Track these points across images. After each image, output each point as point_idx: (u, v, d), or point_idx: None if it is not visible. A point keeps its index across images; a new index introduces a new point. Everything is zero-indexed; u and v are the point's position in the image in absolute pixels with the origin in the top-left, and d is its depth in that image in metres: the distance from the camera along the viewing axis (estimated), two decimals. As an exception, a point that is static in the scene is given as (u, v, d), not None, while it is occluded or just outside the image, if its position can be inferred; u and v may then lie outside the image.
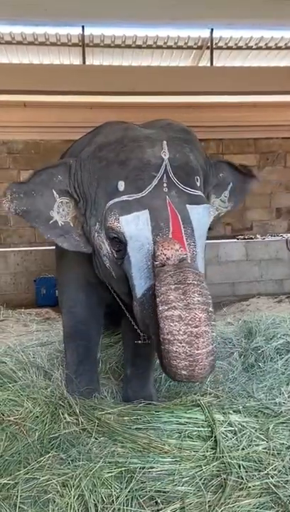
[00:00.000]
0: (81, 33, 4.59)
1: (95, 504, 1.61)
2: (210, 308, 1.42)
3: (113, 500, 1.62)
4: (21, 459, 1.89)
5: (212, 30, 4.70)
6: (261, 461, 1.82)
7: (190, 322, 1.37)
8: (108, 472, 1.77)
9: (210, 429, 2.05)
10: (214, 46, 4.85)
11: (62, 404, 2.26)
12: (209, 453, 1.89)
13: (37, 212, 2.07)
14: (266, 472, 1.75)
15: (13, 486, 1.73)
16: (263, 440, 1.96)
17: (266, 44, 5.01)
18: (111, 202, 1.84)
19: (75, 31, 4.63)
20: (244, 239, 5.85)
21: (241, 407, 2.24)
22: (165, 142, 1.86)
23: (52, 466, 1.83)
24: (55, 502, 1.64)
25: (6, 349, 3.18)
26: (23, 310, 4.83)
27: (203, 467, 1.79)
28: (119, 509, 1.57)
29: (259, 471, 1.77)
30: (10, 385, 2.43)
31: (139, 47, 4.95)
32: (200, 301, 1.39)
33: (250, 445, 1.92)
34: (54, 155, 4.33)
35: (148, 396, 2.46)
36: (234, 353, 3.13)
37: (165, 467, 1.80)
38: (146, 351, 2.53)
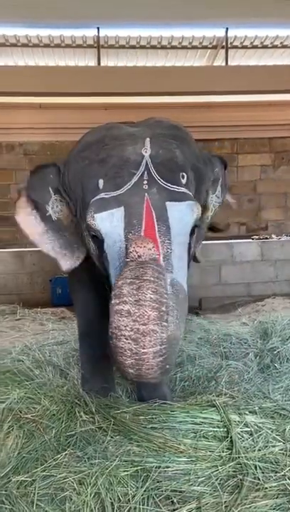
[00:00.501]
0: (96, 34, 4.62)
1: (112, 503, 1.62)
2: (163, 308, 1.31)
3: (129, 499, 1.62)
4: (38, 456, 1.91)
5: (227, 29, 4.68)
6: (278, 463, 1.81)
7: (138, 319, 1.30)
8: (124, 471, 1.78)
9: (225, 429, 2.04)
10: (229, 45, 4.84)
11: (78, 402, 2.28)
12: (225, 453, 1.88)
13: (38, 205, 2.17)
14: (283, 473, 1.74)
15: (31, 483, 1.75)
16: (279, 441, 1.95)
17: (281, 42, 4.98)
18: (92, 200, 1.84)
19: (90, 33, 4.66)
20: (259, 239, 5.81)
21: (257, 408, 2.22)
22: (148, 139, 1.82)
23: (69, 464, 1.84)
24: (71, 500, 1.66)
25: (23, 348, 3.22)
26: (39, 309, 4.88)
27: (219, 467, 1.78)
28: (135, 508, 1.58)
29: (276, 472, 1.76)
30: (27, 383, 2.46)
31: (154, 47, 4.96)
32: (153, 298, 1.31)
33: (266, 446, 1.91)
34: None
35: (162, 396, 2.45)
36: (249, 354, 3.11)
37: (181, 467, 1.80)
38: None
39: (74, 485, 1.72)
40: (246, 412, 2.18)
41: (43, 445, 1.98)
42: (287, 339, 3.14)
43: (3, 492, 1.69)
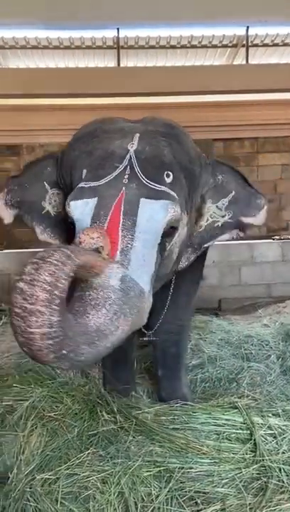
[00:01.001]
0: (116, 35, 4.64)
1: (135, 502, 1.62)
2: (57, 292, 1.22)
3: (153, 499, 1.63)
4: (62, 454, 1.93)
5: (247, 27, 4.65)
6: (303, 466, 1.79)
7: (27, 297, 1.23)
8: (147, 471, 1.78)
9: (248, 431, 2.03)
10: (249, 44, 4.80)
11: (100, 402, 2.29)
12: (248, 456, 1.87)
13: (29, 203, 2.11)
14: (308, 477, 1.72)
15: (55, 481, 1.77)
16: (304, 445, 1.92)
17: (303, 40, 4.91)
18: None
19: (110, 34, 4.68)
20: (280, 239, 5.74)
21: (280, 411, 2.20)
22: (137, 135, 1.81)
23: (92, 463, 1.86)
24: (95, 498, 1.67)
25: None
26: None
27: (243, 470, 1.77)
28: (159, 508, 1.58)
29: (301, 475, 1.74)
30: (49, 382, 2.49)
31: (173, 47, 4.95)
32: (47, 280, 1.23)
33: (291, 449, 1.89)
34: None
35: (182, 397, 2.45)
36: (271, 356, 3.08)
37: (204, 468, 1.79)
38: (174, 352, 2.52)
39: (98, 484, 1.73)
40: (270, 415, 2.16)
41: (66, 444, 2.00)
42: (310, 341, 3.10)
43: (28, 489, 1.71)
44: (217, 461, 1.84)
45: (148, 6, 4.17)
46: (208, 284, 5.21)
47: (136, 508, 1.59)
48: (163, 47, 4.93)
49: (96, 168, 1.76)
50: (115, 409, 2.20)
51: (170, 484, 1.69)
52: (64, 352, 1.26)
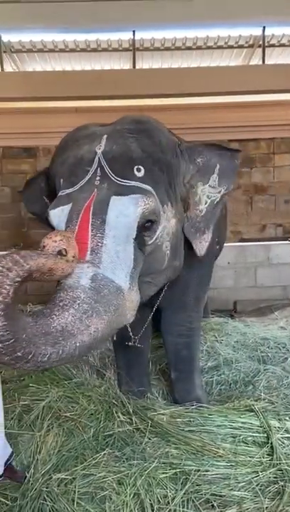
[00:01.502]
0: (132, 37, 4.65)
1: (151, 504, 1.62)
2: (0, 298, 1.23)
3: (169, 501, 1.62)
4: (78, 454, 1.94)
5: (264, 28, 4.61)
6: None
7: None
8: (163, 473, 1.78)
9: (265, 435, 2.01)
10: (266, 44, 4.75)
11: (116, 403, 2.30)
12: (265, 459, 1.85)
13: (38, 216, 2.21)
14: None
15: (71, 481, 1.78)
16: None
17: None
18: None
19: (126, 36, 4.69)
20: (296, 240, 5.68)
21: (297, 414, 2.17)
22: (104, 136, 1.84)
23: (108, 464, 1.86)
24: (111, 499, 1.67)
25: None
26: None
27: (260, 473, 1.76)
28: (175, 510, 1.58)
29: None
30: (65, 382, 2.50)
31: (189, 48, 4.93)
32: None
33: (309, 453, 1.87)
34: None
35: (196, 399, 2.44)
36: (288, 359, 3.05)
37: (221, 471, 1.79)
38: (187, 355, 2.51)
39: (114, 485, 1.74)
40: (287, 418, 2.15)
41: (82, 444, 2.01)
42: None
43: (45, 489, 1.73)
44: (233, 464, 1.83)
45: (163, 7, 4.16)
46: (224, 285, 5.19)
47: (152, 510, 1.59)
48: (178, 48, 4.92)
49: (69, 176, 1.81)
50: (131, 411, 2.21)
51: (187, 486, 1.69)
52: (18, 354, 1.27)
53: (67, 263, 1.45)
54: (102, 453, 1.93)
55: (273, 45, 4.92)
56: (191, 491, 1.67)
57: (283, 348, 3.22)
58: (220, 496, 1.66)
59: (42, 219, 2.17)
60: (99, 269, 1.54)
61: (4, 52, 4.78)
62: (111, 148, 1.80)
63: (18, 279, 1.25)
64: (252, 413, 2.20)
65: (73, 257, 1.49)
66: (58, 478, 1.79)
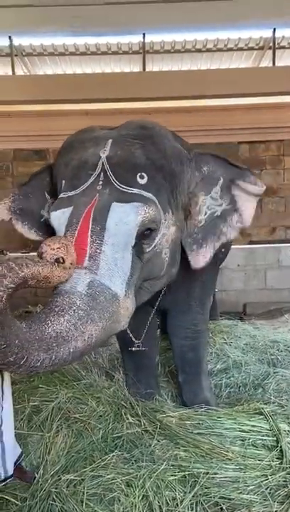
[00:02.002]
0: (142, 40, 4.67)
1: (160, 506, 1.62)
2: None
3: (177, 504, 1.62)
4: (87, 455, 1.95)
5: (274, 29, 4.60)
6: None
7: None
8: (171, 475, 1.78)
9: (275, 438, 2.00)
10: (276, 46, 4.74)
11: (125, 404, 2.30)
12: (274, 463, 1.84)
13: (30, 212, 2.19)
14: None
15: (80, 482, 1.79)
16: None
17: None
18: None
19: (136, 39, 4.72)
20: (307, 243, 5.64)
21: (308, 418, 2.16)
22: (110, 141, 1.83)
23: (117, 465, 1.87)
24: (120, 501, 1.68)
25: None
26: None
27: (269, 477, 1.75)
28: (183, 513, 1.58)
29: None
30: (74, 383, 2.51)
31: (199, 51, 4.94)
32: None
33: None
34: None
35: (204, 402, 2.43)
36: (298, 362, 3.02)
37: (230, 474, 1.78)
38: (193, 358, 2.51)
39: (123, 486, 1.74)
40: (297, 422, 2.12)
41: (90, 445, 2.02)
42: None
43: (54, 490, 1.73)
44: (242, 467, 1.82)
45: (173, 10, 4.17)
46: (233, 287, 5.17)
47: (161, 512, 1.59)
48: (188, 51, 4.93)
49: (72, 178, 1.81)
50: (140, 413, 2.21)
51: (195, 489, 1.69)
52: (10, 359, 1.28)
53: (64, 270, 1.46)
54: (111, 454, 1.93)
55: (283, 47, 4.92)
56: (200, 494, 1.67)
57: (293, 351, 3.20)
58: (229, 499, 1.65)
59: (33, 216, 2.17)
60: (96, 276, 1.55)
61: (15, 55, 4.84)
62: (116, 153, 1.79)
63: (12, 286, 1.27)
64: (262, 416, 2.19)
65: (71, 264, 1.50)
66: (67, 479, 1.79)
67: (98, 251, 1.61)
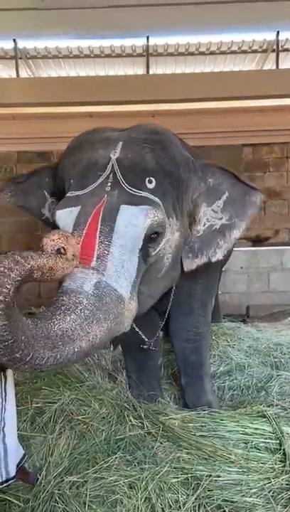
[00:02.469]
0: (145, 43, 4.69)
1: (162, 508, 1.62)
2: (1, 298, 1.23)
3: (180, 506, 1.62)
4: (89, 457, 1.95)
5: (278, 32, 4.60)
6: None
7: None
8: (174, 477, 1.78)
9: (278, 441, 2.00)
10: (280, 49, 4.75)
11: (128, 406, 2.30)
12: (277, 466, 1.84)
13: (30, 209, 2.22)
14: None
15: (82, 484, 1.79)
16: None
17: None
18: None
19: (140, 42, 4.73)
20: (310, 245, 5.62)
21: (311, 421, 2.15)
22: (120, 143, 1.83)
23: (120, 467, 1.87)
24: (122, 503, 1.68)
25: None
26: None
27: (272, 480, 1.74)
28: (186, 515, 1.57)
29: None
30: (77, 385, 2.52)
31: (203, 53, 4.95)
32: None
33: None
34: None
35: (207, 404, 2.43)
36: (302, 365, 3.01)
37: (232, 477, 1.78)
38: (195, 360, 2.51)
39: (125, 488, 1.74)
40: (300, 425, 2.12)
41: (93, 447, 2.02)
42: None
43: (57, 491, 1.74)
44: (245, 470, 1.82)
45: (176, 13, 4.19)
46: (236, 290, 5.16)
47: (164, 515, 1.58)
48: (191, 53, 4.94)
49: (80, 178, 1.81)
50: (142, 415, 2.21)
51: (198, 492, 1.68)
52: (17, 355, 1.27)
53: (68, 262, 1.46)
54: (114, 456, 1.93)
55: (287, 50, 4.92)
56: (203, 496, 1.67)
57: (297, 353, 3.19)
58: (232, 501, 1.65)
59: (33, 213, 2.20)
60: (103, 277, 1.55)
61: (20, 58, 4.86)
62: (126, 155, 1.80)
63: (19, 279, 1.27)
64: (265, 419, 2.18)
65: (73, 255, 1.50)
66: (70, 481, 1.80)
67: (106, 252, 1.61)
